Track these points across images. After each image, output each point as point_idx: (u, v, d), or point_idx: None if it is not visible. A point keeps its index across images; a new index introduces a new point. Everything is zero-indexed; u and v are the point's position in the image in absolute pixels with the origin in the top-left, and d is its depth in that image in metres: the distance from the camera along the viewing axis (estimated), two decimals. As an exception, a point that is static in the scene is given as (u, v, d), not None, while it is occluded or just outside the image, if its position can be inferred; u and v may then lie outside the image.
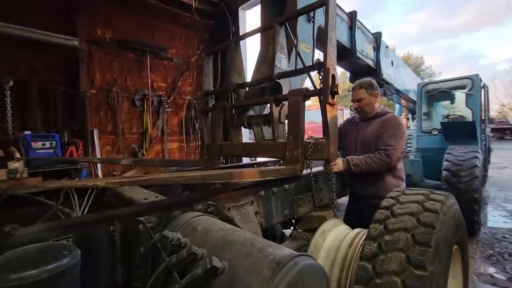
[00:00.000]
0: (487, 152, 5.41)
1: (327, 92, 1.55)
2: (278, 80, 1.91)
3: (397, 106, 7.84)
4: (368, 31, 3.69)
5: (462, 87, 4.61)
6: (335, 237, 1.49)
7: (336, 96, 1.61)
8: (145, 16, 4.00)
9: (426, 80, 7.20)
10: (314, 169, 1.92)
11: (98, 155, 3.63)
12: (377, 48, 3.84)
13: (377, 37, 3.83)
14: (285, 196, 1.61)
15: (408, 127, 7.09)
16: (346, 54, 3.22)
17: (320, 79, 1.61)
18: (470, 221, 3.35)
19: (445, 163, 3.53)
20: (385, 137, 1.94)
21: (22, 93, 3.06)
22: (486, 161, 5.09)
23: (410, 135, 5.01)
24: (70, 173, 3.00)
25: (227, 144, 2.28)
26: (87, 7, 3.48)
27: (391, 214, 1.13)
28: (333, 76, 1.60)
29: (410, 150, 4.78)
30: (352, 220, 2.11)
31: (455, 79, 4.65)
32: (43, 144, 2.86)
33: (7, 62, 2.99)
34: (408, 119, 7.51)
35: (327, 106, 1.56)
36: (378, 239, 1.05)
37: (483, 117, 4.64)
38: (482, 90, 4.58)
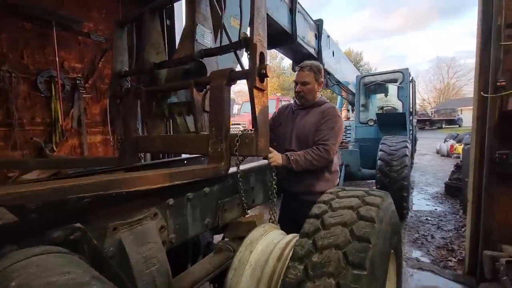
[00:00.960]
0: (414, 141, 5.95)
1: (254, 74, 1.27)
2: (201, 60, 1.56)
3: (339, 98, 8.17)
4: (310, 17, 3.54)
5: (395, 80, 4.88)
6: (263, 248, 1.24)
7: (265, 80, 1.34)
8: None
9: (363, 74, 7.63)
10: (247, 165, 1.66)
11: (-19, 153, 2.81)
12: (318, 36, 3.74)
13: (319, 24, 3.72)
14: (206, 202, 1.31)
15: (348, 118, 7.43)
16: (287, 39, 3.01)
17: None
18: (400, 207, 3.54)
19: (379, 153, 3.66)
20: (323, 129, 1.77)
21: None
22: (413, 150, 5.59)
23: (349, 126, 5.18)
24: None
25: (143, 138, 1.87)
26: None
27: (321, 225, 0.92)
28: (262, 55, 1.32)
29: (349, 141, 4.94)
30: (287, 221, 1.93)
31: (388, 72, 4.90)
32: None
33: None
34: (348, 110, 7.89)
35: (255, 91, 1.29)
36: (305, 260, 0.82)
37: (411, 109, 5.01)
38: (411, 83, 4.93)
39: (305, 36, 3.32)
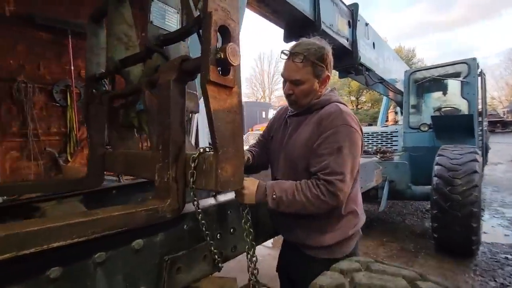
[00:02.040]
0: (485, 150, 4.76)
1: (206, 62, 0.79)
2: (160, 50, 1.13)
3: (384, 99, 7.16)
4: (342, 1, 2.92)
5: (457, 75, 3.90)
6: None
7: (232, 70, 0.85)
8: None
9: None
10: (223, 197, 1.18)
11: (-4, 164, 2.82)
12: (353, 24, 3.08)
13: (353, 10, 3.07)
14: (138, 262, 0.85)
15: (396, 122, 6.41)
16: (308, 28, 2.45)
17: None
18: (467, 242, 2.66)
19: (436, 168, 2.83)
20: (323, 153, 1.05)
21: None
22: (484, 161, 4.45)
23: (395, 131, 4.29)
24: None
25: (110, 154, 1.51)
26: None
27: None
28: (226, 31, 0.84)
29: (396, 150, 4.07)
30: (282, 276, 1.37)
31: (448, 65, 3.94)
32: None
33: None
34: (396, 113, 6.83)
35: (210, 88, 0.80)
36: None
37: (480, 109, 3.95)
38: (480, 77, 3.89)
39: (334, 23, 2.70)
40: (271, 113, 9.92)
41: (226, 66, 0.82)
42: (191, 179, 0.89)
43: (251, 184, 1.04)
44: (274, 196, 1.03)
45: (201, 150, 0.92)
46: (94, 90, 1.65)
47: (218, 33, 0.83)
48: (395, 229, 4.04)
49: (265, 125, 9.32)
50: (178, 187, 0.91)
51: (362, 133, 1.14)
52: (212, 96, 0.81)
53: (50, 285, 0.67)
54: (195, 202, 0.91)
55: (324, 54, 1.15)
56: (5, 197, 1.36)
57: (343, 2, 2.94)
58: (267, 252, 3.45)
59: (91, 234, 0.70)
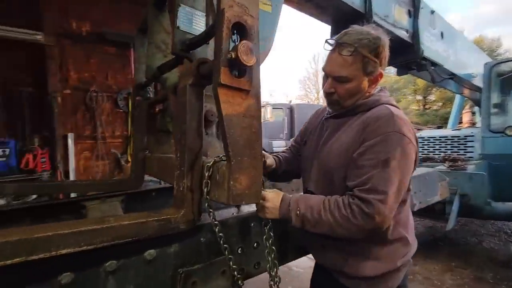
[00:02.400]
0: None
1: (218, 62, 0.72)
2: (185, 54, 1.11)
3: (457, 97, 6.17)
4: (399, -12, 2.58)
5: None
6: None
7: (248, 71, 0.77)
8: (128, 2, 3.51)
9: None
10: (246, 208, 1.10)
11: (72, 163, 3.28)
12: (414, 13, 2.70)
13: (415, -4, 2.68)
14: (150, 273, 0.83)
15: (473, 124, 5.46)
16: (358, 21, 2.21)
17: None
18: None
19: (527, 182, 2.25)
20: (365, 166, 0.86)
21: (-16, 96, 2.81)
22: None
23: (471, 135, 3.60)
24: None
25: (148, 158, 1.57)
26: (57, -3, 3.12)
27: None
28: (241, 28, 0.76)
29: (470, 158, 3.41)
30: None
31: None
32: (-6, 152, 2.56)
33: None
34: (474, 113, 5.80)
35: (221, 92, 0.73)
36: None
37: None
38: None
39: (390, 13, 2.40)
40: (323, 116, 9.46)
41: (241, 67, 0.75)
42: (205, 189, 0.84)
43: (274, 196, 0.93)
44: (298, 212, 0.89)
45: (217, 158, 0.86)
46: (139, 97, 1.77)
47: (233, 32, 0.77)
48: (469, 253, 3.38)
49: None
50: (194, 197, 0.87)
51: (417, 144, 0.93)
52: (224, 101, 0.74)
53: (62, 290, 0.69)
54: (211, 214, 0.85)
55: (379, 47, 0.95)
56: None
57: (401, -11, 2.60)
58: (309, 264, 3.24)
59: (99, 242, 0.70)
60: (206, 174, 0.84)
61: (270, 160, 1.20)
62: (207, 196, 0.84)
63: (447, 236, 3.79)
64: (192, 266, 0.89)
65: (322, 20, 2.35)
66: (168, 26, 1.56)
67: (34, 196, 2.29)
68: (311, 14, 2.18)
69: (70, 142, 3.28)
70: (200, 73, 0.86)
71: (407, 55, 2.73)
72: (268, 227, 0.94)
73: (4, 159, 2.61)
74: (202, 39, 1.05)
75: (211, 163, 0.85)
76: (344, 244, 0.95)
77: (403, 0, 2.60)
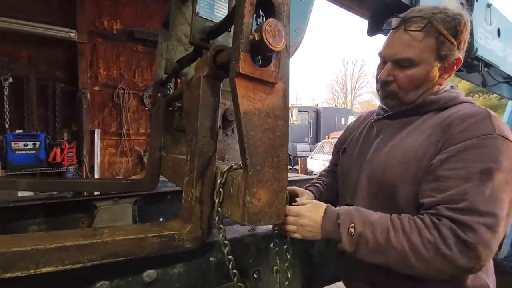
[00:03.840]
0: None
1: (237, 48, 0.58)
2: (204, 44, 0.98)
3: (510, 104, 5.52)
4: (449, -21, 2.29)
5: None
6: None
7: (275, 59, 0.61)
8: (157, 1, 3.53)
9: None
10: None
11: (97, 158, 3.34)
12: (467, 7, 2.37)
13: (469, -12, 2.36)
14: (148, 297, 0.70)
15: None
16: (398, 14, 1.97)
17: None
18: None
19: None
20: (451, 177, 0.62)
21: (21, 90, 2.94)
22: None
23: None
24: (53, 177, 2.72)
25: (165, 159, 1.47)
26: (90, -4, 3.20)
27: None
28: (269, 6, 0.61)
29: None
30: None
31: None
32: (25, 145, 2.65)
33: (6, 58, 2.89)
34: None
35: (238, 83, 0.58)
36: None
37: None
38: None
39: (439, 5, 2.11)
40: (351, 120, 9.05)
41: (266, 53, 0.59)
42: (217, 200, 0.69)
43: (313, 210, 0.72)
44: (352, 230, 0.66)
45: (234, 165, 0.72)
46: (159, 94, 1.69)
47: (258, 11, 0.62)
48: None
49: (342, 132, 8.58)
50: (203, 209, 0.73)
51: None
52: (243, 95, 0.59)
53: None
54: (221, 231, 0.71)
55: (461, 24, 0.73)
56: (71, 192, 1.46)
57: (452, -20, 2.30)
58: None
59: (87, 261, 0.58)
60: (219, 181, 0.70)
61: (306, 197, 0.94)
62: (219, 209, 0.70)
63: None
64: (198, 292, 0.75)
65: (358, 14, 2.12)
66: (189, 14, 1.46)
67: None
68: (346, 7, 1.97)
69: (97, 137, 3.34)
70: (217, 63, 0.72)
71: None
72: (289, 251, 0.77)
73: (34, 151, 2.69)
74: (223, 26, 0.92)
75: (225, 169, 0.70)
76: (403, 278, 0.68)
77: (454, -8, 2.30)
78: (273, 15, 0.61)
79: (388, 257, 0.63)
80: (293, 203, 0.75)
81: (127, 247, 0.63)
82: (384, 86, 0.81)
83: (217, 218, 0.70)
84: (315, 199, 0.95)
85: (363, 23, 2.22)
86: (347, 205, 0.83)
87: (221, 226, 0.71)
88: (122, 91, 3.51)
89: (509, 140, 0.64)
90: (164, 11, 2.33)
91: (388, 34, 0.81)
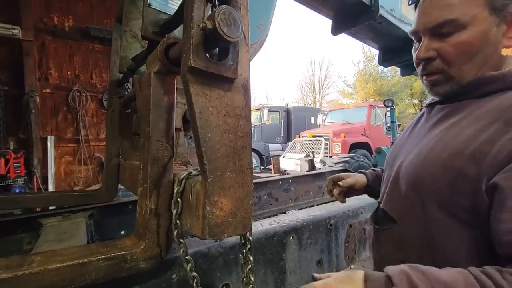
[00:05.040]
0: None
1: (187, 39, 0.50)
2: (157, 39, 0.89)
3: None
4: (405, -18, 2.40)
5: None
6: None
7: (233, 51, 0.55)
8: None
9: None
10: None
11: (51, 167, 3.02)
12: (420, 9, 2.50)
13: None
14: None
15: None
16: (362, 14, 2.02)
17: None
18: None
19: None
20: None
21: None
22: None
23: None
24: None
25: (123, 166, 1.34)
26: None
27: None
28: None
29: None
30: None
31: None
32: (-40, 156, 2.31)
33: None
34: None
35: (190, 80, 0.51)
36: None
37: None
38: None
39: (396, 7, 2.21)
40: (320, 119, 9.29)
41: (221, 45, 0.53)
42: (174, 211, 0.62)
43: (345, 280, 0.49)
44: None
45: (195, 171, 0.64)
46: (115, 95, 1.55)
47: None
48: None
49: (313, 131, 8.53)
50: (160, 223, 0.64)
51: None
52: (197, 92, 0.52)
53: None
54: (181, 245, 0.63)
55: None
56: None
57: (407, -17, 2.41)
58: None
59: None
60: (176, 190, 0.62)
61: (352, 179, 0.88)
62: (177, 221, 0.62)
63: None
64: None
65: (322, 13, 2.14)
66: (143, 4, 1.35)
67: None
68: (311, 6, 1.97)
69: (50, 145, 3.03)
70: (169, 57, 0.64)
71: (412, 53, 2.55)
72: (257, 262, 0.71)
73: (-29, 163, 2.35)
74: (178, 18, 0.84)
75: (183, 176, 0.63)
76: None
77: (409, -6, 2.42)
78: (228, 3, 0.55)
79: None
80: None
81: (65, 275, 0.53)
82: (425, 67, 0.62)
83: (175, 232, 0.62)
84: (368, 185, 0.86)
85: (328, 24, 2.26)
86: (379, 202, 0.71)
87: (180, 240, 0.63)
88: (78, 94, 3.22)
89: None
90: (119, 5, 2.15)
91: (418, 7, 0.64)
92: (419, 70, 0.66)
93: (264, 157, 10.04)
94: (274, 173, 6.97)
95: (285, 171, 6.97)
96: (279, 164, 7.23)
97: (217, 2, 0.57)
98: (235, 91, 0.57)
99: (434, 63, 0.60)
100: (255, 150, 9.88)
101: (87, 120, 3.32)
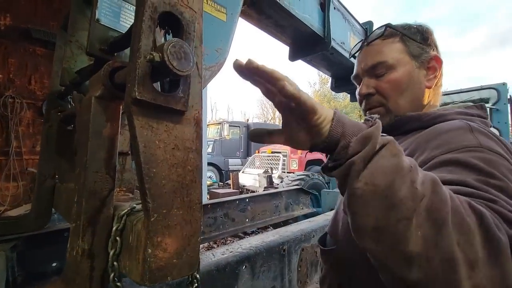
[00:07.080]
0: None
1: (133, 69, 0.47)
2: (105, 57, 0.83)
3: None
4: (355, 18, 2.67)
5: (484, 102, 3.51)
6: None
7: (184, 83, 0.53)
8: None
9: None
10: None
11: (-31, 184, 2.57)
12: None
13: (367, 28, 2.80)
14: None
15: None
16: (317, 45, 2.18)
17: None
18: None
19: None
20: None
21: None
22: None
23: None
24: None
25: (58, 189, 1.19)
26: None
27: None
28: (177, 23, 0.53)
29: None
30: None
31: (473, 90, 3.54)
32: None
33: None
34: None
35: (134, 112, 0.48)
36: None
37: (512, 140, 3.50)
38: (510, 104, 3.47)
39: (346, 41, 2.43)
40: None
41: (170, 77, 0.51)
42: (112, 252, 0.55)
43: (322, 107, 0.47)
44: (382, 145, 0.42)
45: (137, 205, 0.59)
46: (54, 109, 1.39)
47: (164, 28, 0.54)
48: None
49: (272, 147, 8.72)
50: (94, 265, 0.57)
51: None
52: (142, 125, 0.48)
53: None
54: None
55: (427, 30, 0.72)
56: None
57: (355, 19, 2.68)
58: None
59: None
60: (115, 228, 0.56)
61: None
62: (115, 263, 0.56)
63: None
64: None
65: (281, 40, 2.26)
66: (92, 17, 1.26)
67: None
68: (270, 33, 2.06)
69: (-31, 158, 2.58)
70: (114, 82, 0.59)
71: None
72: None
73: None
74: (128, 38, 0.79)
75: (124, 212, 0.57)
76: None
77: (358, 30, 2.68)
78: (181, 34, 0.53)
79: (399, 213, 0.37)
80: None
81: None
82: (368, 101, 0.72)
83: (112, 275, 0.56)
84: None
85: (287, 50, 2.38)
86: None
87: (118, 284, 0.56)
88: (11, 100, 2.84)
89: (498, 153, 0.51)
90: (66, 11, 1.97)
91: (357, 57, 0.79)
92: (362, 106, 0.76)
93: (223, 171, 9.91)
94: (233, 188, 6.89)
95: (244, 186, 6.94)
96: (238, 179, 7.19)
97: (170, 30, 0.55)
98: (186, 123, 0.55)
99: (374, 98, 0.72)
100: (214, 165, 9.72)
101: (21, 130, 2.92)
